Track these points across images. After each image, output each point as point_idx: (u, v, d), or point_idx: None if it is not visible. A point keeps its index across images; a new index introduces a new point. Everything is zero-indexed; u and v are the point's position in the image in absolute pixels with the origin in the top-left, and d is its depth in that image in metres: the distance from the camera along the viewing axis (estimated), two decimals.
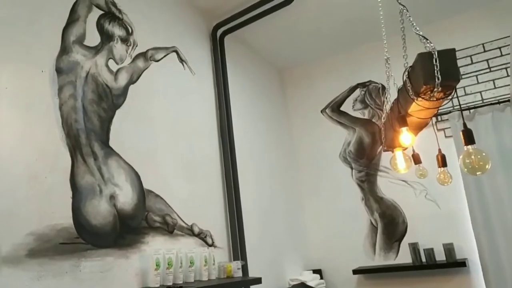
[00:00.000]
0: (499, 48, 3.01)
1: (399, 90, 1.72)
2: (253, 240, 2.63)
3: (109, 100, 1.86)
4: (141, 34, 2.16)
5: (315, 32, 3.25)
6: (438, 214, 3.03)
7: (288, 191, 3.40)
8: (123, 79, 1.96)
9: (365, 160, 3.37)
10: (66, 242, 1.49)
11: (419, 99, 1.42)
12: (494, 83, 3.00)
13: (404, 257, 3.09)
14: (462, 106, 2.95)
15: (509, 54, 2.95)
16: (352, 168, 3.42)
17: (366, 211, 3.30)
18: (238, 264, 2.18)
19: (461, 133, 1.38)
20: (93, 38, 1.86)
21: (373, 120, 3.39)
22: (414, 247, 2.97)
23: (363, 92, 3.47)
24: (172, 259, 1.82)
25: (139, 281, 1.75)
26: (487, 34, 3.06)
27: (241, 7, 2.70)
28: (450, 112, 2.97)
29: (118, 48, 1.98)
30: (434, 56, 1.30)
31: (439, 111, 2.26)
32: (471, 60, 3.09)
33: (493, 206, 2.74)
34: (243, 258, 2.43)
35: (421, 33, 1.45)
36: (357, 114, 3.47)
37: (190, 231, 2.14)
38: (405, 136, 1.60)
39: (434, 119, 3.01)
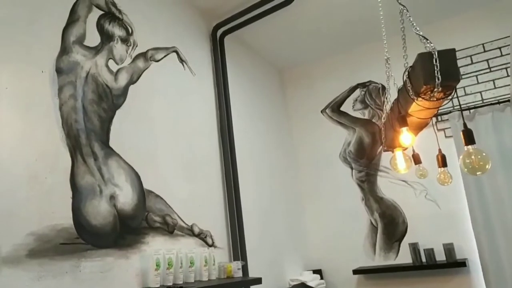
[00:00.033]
0: (499, 48, 3.01)
1: (399, 90, 1.72)
2: (253, 240, 2.63)
3: (109, 100, 1.86)
4: (141, 34, 2.16)
5: (315, 32, 3.25)
6: (438, 214, 3.03)
7: (288, 191, 3.40)
8: (123, 79, 1.96)
9: (365, 160, 3.37)
10: (66, 243, 1.49)
11: (419, 99, 1.42)
12: (494, 83, 3.00)
13: (404, 257, 3.09)
14: (462, 106, 2.95)
15: (509, 54, 2.95)
16: (352, 168, 3.42)
17: (366, 211, 3.30)
18: (238, 264, 2.18)
19: (461, 133, 1.38)
20: (93, 38, 1.86)
21: (373, 120, 3.39)
22: (414, 247, 2.97)
23: (363, 92, 3.47)
24: (172, 259, 1.81)
25: (139, 281, 1.75)
26: (487, 34, 3.06)
27: (241, 7, 2.70)
28: (450, 112, 2.97)
29: (118, 48, 1.98)
30: (434, 56, 1.30)
31: (439, 111, 2.27)
32: (471, 60, 3.09)
33: (493, 206, 2.74)
34: (243, 258, 2.43)
35: (421, 33, 1.45)
36: (357, 114, 3.47)
37: (190, 231, 2.14)
38: (405, 136, 1.60)
39: (434, 119, 3.01)
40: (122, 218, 1.75)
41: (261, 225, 2.83)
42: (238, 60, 3.12)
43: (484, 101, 2.99)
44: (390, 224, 3.20)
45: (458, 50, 1.69)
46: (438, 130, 3.06)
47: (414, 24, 1.55)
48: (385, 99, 1.98)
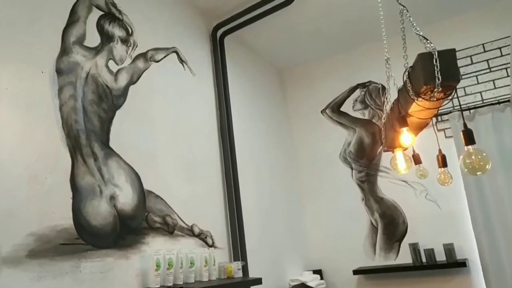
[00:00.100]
0: (499, 48, 3.01)
1: (399, 91, 1.72)
2: (253, 240, 2.63)
3: (109, 101, 1.86)
4: (141, 34, 2.16)
5: (315, 32, 3.25)
6: (439, 214, 3.03)
7: (288, 191, 3.40)
8: (123, 79, 1.96)
9: (365, 161, 3.37)
10: (66, 243, 1.49)
11: (419, 99, 1.42)
12: (494, 83, 3.00)
13: (404, 257, 3.09)
14: (462, 106, 2.95)
15: (509, 54, 2.95)
16: (352, 169, 3.42)
17: (366, 212, 3.30)
18: (238, 264, 2.18)
19: (461, 133, 1.38)
20: (93, 38, 1.86)
21: (373, 121, 3.39)
22: (414, 247, 2.97)
23: (363, 93, 3.47)
24: (172, 260, 1.81)
25: (140, 281, 1.75)
26: (487, 34, 3.06)
27: (241, 8, 2.70)
28: (450, 112, 2.97)
29: (118, 48, 1.98)
30: (434, 56, 1.30)
31: (439, 111, 2.27)
32: (471, 60, 3.09)
33: (493, 206, 2.74)
34: (243, 258, 2.43)
35: (421, 33, 1.45)
36: (357, 115, 3.47)
37: (190, 232, 2.14)
38: (405, 137, 1.60)
39: (434, 119, 3.02)
40: (122, 218, 1.75)
41: (261, 225, 2.83)
42: (238, 60, 3.12)
43: (484, 101, 2.99)
44: (390, 224, 3.20)
45: (458, 50, 1.69)
46: (438, 130, 3.06)
47: (414, 24, 1.55)
48: (385, 99, 1.98)
